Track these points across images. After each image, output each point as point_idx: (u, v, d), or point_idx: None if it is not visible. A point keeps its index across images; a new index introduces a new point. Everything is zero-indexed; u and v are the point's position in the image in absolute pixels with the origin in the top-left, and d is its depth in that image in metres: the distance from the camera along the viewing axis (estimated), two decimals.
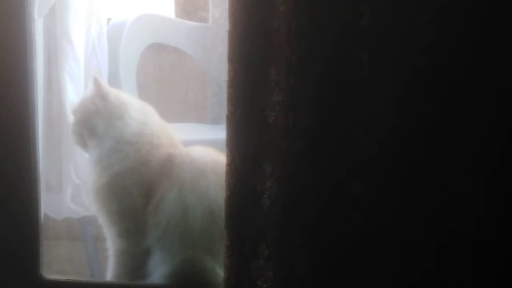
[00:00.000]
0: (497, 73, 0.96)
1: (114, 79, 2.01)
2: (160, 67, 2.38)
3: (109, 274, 1.55)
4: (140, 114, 1.57)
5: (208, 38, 2.25)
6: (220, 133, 1.38)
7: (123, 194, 1.51)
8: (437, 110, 0.98)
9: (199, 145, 1.57)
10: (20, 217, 1.49)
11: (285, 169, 1.02)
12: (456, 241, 0.99)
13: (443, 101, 0.98)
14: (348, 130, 1.00)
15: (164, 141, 1.55)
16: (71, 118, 1.66)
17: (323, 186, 1.01)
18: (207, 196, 1.44)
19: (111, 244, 1.56)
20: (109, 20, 2.07)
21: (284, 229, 1.04)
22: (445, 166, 0.99)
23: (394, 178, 1.01)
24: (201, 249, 1.44)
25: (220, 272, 1.30)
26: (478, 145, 0.97)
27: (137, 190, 1.51)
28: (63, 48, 1.81)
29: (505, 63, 0.96)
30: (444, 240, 1.00)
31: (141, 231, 1.50)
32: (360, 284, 1.03)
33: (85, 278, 1.82)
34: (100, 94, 1.56)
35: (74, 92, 1.84)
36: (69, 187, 1.84)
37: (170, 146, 1.55)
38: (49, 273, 1.51)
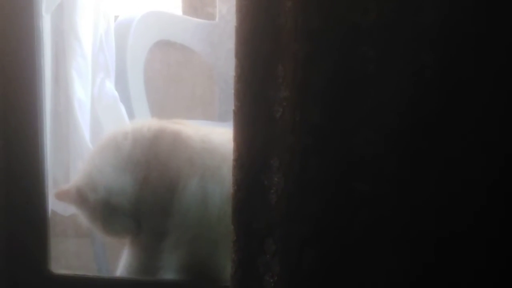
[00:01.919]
0: (505, 70, 0.96)
1: (121, 76, 2.02)
2: (167, 64, 2.39)
3: (121, 266, 1.55)
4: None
5: (215, 35, 2.25)
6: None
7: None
8: (444, 107, 0.98)
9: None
10: (28, 213, 1.50)
11: (292, 165, 1.02)
12: (459, 238, 0.99)
13: (450, 98, 0.98)
14: (354, 127, 1.00)
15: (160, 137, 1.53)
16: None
17: (330, 181, 1.01)
18: (228, 183, 1.43)
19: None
20: (116, 17, 2.08)
21: (291, 224, 1.04)
22: (451, 164, 0.99)
23: (400, 175, 1.01)
24: (215, 238, 1.43)
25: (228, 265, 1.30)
26: (485, 143, 0.97)
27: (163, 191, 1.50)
28: (71, 44, 1.82)
29: None
30: (448, 237, 1.00)
31: (163, 229, 1.49)
32: (365, 278, 1.03)
33: (92, 273, 1.83)
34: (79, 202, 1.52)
35: (82, 88, 1.85)
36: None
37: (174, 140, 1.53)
38: (57, 268, 1.52)
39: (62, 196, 1.53)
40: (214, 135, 1.52)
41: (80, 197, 1.50)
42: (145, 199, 1.50)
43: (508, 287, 1.00)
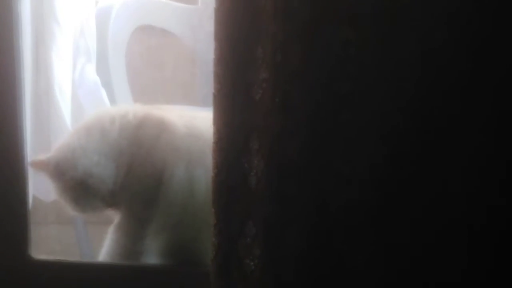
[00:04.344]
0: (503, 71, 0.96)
1: (102, 61, 2.01)
2: (148, 49, 2.38)
3: (103, 251, 1.55)
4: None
5: (197, 19, 2.24)
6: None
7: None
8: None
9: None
10: (8, 198, 1.49)
11: (271, 146, 1.02)
12: (445, 233, 0.99)
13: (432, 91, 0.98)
14: (334, 108, 1.00)
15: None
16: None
17: (309, 163, 1.01)
18: None
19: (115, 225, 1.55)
20: (97, 1, 2.07)
21: (271, 207, 1.04)
22: (439, 160, 0.99)
23: (381, 155, 1.00)
24: (200, 223, 1.43)
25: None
26: (473, 139, 0.97)
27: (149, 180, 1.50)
28: (51, 28, 1.81)
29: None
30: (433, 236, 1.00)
31: (147, 215, 1.49)
32: (346, 261, 1.03)
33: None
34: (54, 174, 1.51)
35: (62, 73, 1.84)
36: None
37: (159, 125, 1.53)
38: (38, 253, 1.51)
39: (38, 165, 1.52)
40: (198, 120, 1.51)
41: (57, 171, 1.49)
42: (130, 186, 1.50)
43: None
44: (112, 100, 1.96)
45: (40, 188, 1.83)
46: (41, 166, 1.51)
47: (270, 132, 1.02)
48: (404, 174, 1.00)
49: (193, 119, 1.52)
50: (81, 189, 1.49)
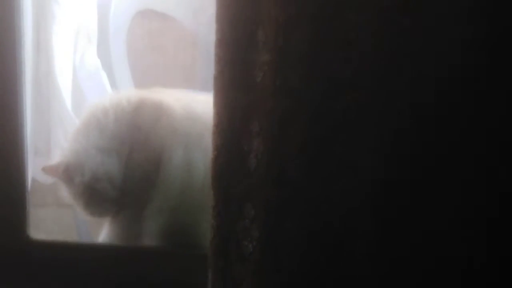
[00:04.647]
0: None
1: (103, 45, 2.01)
2: (149, 33, 2.38)
3: (103, 233, 1.56)
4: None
5: (198, 3, 2.24)
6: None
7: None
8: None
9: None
10: (8, 181, 1.49)
11: (271, 129, 1.02)
12: (445, 230, 1.00)
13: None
14: (334, 91, 1.00)
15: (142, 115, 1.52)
16: None
17: (310, 146, 1.01)
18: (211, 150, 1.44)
19: None
20: None
21: (270, 189, 1.04)
22: (443, 156, 0.98)
23: (386, 141, 1.00)
24: (198, 205, 1.43)
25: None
26: (479, 140, 0.97)
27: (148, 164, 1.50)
28: (52, 10, 1.80)
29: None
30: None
31: (146, 197, 1.49)
32: (345, 247, 1.03)
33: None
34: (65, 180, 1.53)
35: (63, 56, 1.84)
36: (58, 151, 1.84)
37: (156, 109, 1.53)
38: (37, 234, 1.52)
39: (49, 171, 1.54)
40: (196, 103, 1.51)
41: (67, 176, 1.50)
42: (130, 172, 1.50)
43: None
44: (113, 83, 1.96)
45: (39, 171, 1.83)
46: (52, 171, 1.53)
47: (271, 115, 1.02)
48: (409, 161, 1.00)
49: (191, 102, 1.52)
50: (91, 193, 1.50)
